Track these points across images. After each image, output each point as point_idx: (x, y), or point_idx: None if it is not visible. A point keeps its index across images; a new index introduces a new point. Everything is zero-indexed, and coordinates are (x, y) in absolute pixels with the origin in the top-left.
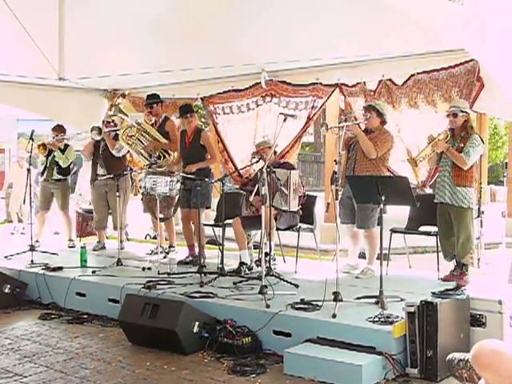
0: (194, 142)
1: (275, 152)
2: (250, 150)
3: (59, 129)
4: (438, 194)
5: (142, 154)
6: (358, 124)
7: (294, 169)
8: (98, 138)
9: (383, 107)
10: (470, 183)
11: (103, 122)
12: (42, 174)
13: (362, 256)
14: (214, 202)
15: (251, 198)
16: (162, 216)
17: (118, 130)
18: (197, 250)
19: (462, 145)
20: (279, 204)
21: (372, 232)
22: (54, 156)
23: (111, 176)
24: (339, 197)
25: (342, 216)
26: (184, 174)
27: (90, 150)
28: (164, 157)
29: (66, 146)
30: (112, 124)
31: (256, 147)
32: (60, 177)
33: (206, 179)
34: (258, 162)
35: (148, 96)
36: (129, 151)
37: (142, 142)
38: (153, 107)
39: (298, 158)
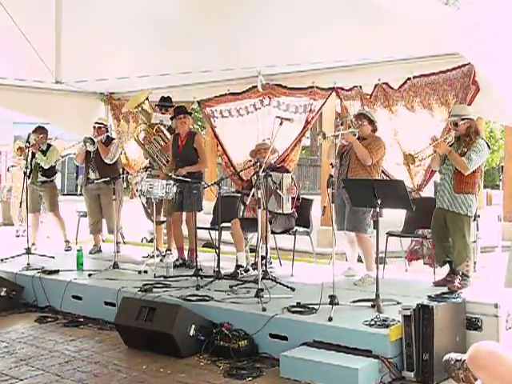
0: (187, 145)
1: (274, 155)
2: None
3: (40, 130)
4: (438, 200)
5: (156, 156)
6: (353, 132)
7: (288, 173)
8: (93, 148)
9: (373, 115)
10: (472, 189)
11: (94, 127)
12: (29, 176)
13: (360, 260)
14: (210, 205)
15: (247, 201)
16: (164, 219)
17: (109, 135)
18: (186, 252)
19: (466, 150)
20: (273, 207)
21: (364, 237)
22: (36, 158)
23: (107, 179)
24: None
25: (337, 223)
26: (177, 177)
27: (82, 157)
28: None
29: (49, 146)
30: (103, 129)
31: (255, 147)
32: (45, 179)
33: (203, 182)
34: (253, 165)
35: (162, 98)
36: (121, 155)
37: (159, 144)
38: (168, 110)
39: None
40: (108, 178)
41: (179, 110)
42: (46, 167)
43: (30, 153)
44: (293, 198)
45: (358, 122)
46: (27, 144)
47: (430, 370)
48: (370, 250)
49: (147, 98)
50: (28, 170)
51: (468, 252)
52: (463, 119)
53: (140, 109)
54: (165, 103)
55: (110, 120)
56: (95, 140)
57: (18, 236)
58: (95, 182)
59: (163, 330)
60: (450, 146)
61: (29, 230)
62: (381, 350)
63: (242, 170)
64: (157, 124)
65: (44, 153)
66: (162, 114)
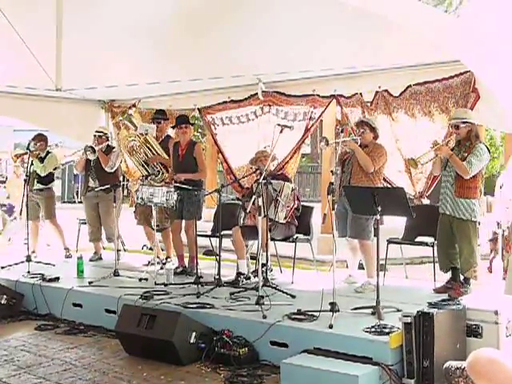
0: (187, 154)
1: (273, 162)
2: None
3: (39, 138)
4: (441, 205)
5: (142, 166)
6: (355, 140)
7: (288, 180)
8: (94, 157)
9: (375, 122)
10: (474, 194)
11: (94, 136)
12: (27, 184)
13: (361, 267)
14: (211, 212)
15: (248, 209)
16: (160, 227)
17: (109, 144)
18: (186, 260)
19: (466, 154)
20: (271, 214)
21: (367, 244)
22: (33, 165)
23: (106, 188)
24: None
25: (338, 230)
26: (178, 185)
27: (82, 166)
28: (163, 173)
29: (48, 153)
30: (104, 138)
31: (255, 155)
32: (42, 186)
33: (203, 190)
34: (255, 172)
35: (157, 111)
36: (121, 163)
37: (145, 154)
38: (160, 123)
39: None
40: (107, 186)
41: (181, 119)
42: (43, 174)
43: (29, 160)
44: (289, 209)
45: (359, 129)
46: (27, 151)
47: (430, 377)
48: (373, 256)
49: (134, 105)
50: (27, 178)
51: (475, 258)
52: (464, 122)
53: (126, 115)
54: (158, 116)
55: (110, 127)
56: (96, 149)
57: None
58: (95, 190)
59: (164, 338)
60: (451, 150)
61: (28, 238)
62: (381, 357)
63: (242, 178)
64: (143, 135)
65: (42, 160)
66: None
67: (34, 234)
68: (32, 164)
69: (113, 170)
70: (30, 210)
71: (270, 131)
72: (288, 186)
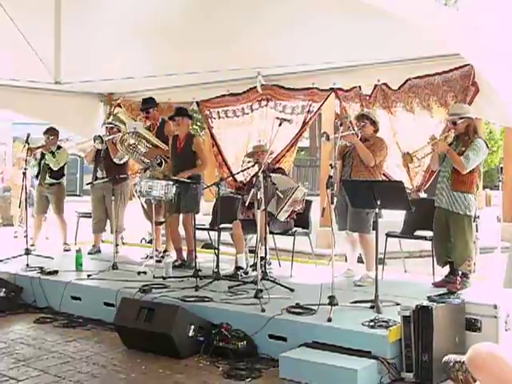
0: (185, 148)
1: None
2: (244, 154)
3: (51, 131)
4: (437, 198)
5: (142, 162)
6: (356, 133)
7: (285, 174)
8: (102, 147)
9: (375, 115)
10: (470, 189)
11: (106, 127)
12: (36, 177)
13: (360, 260)
14: (209, 206)
15: (247, 202)
16: (162, 220)
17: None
18: (185, 253)
19: (464, 149)
20: (272, 208)
21: (367, 237)
22: (46, 159)
23: (107, 180)
24: (335, 202)
25: (338, 223)
26: (176, 178)
27: (91, 157)
28: (166, 162)
29: (59, 148)
30: (115, 129)
31: (253, 149)
32: (53, 181)
33: (202, 183)
34: (253, 165)
35: (144, 100)
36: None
37: (142, 150)
38: (149, 112)
39: (293, 163)
40: (109, 178)
41: (176, 111)
42: (56, 168)
43: (27, 155)
44: (292, 211)
45: (360, 122)
46: (26, 144)
47: (429, 370)
48: (373, 250)
49: (119, 105)
50: (36, 172)
51: (469, 252)
52: (462, 118)
53: (112, 117)
54: (145, 106)
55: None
56: (104, 139)
57: (16, 237)
58: (99, 181)
59: (162, 331)
60: (449, 145)
61: (30, 231)
62: (380, 351)
63: (238, 173)
64: (133, 133)
65: (53, 154)
66: (146, 117)
67: (37, 228)
68: (43, 158)
69: (121, 162)
70: (39, 205)
71: (267, 125)
72: (301, 190)
